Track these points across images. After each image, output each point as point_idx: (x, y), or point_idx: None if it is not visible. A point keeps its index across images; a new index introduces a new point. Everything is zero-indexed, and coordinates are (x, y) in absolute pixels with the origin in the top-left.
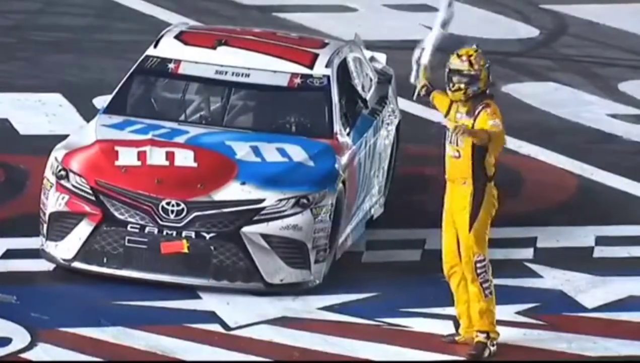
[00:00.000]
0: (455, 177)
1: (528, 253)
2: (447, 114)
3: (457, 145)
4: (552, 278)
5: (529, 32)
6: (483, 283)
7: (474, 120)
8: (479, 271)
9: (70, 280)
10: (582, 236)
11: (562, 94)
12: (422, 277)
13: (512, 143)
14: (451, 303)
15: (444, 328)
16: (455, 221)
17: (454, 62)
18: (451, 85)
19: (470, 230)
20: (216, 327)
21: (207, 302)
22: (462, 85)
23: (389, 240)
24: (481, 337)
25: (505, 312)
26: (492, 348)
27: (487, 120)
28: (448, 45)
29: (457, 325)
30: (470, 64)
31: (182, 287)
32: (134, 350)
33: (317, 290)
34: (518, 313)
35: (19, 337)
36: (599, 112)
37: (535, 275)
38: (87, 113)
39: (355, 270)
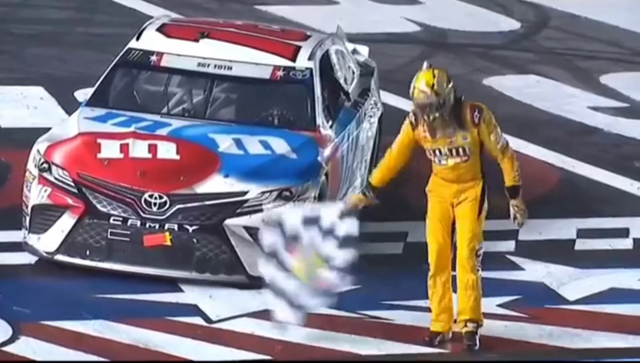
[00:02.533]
0: (464, 178)
1: (510, 245)
2: (417, 141)
3: (464, 154)
4: (533, 271)
5: (511, 25)
6: (479, 271)
7: (477, 129)
8: (478, 259)
9: (53, 273)
10: (564, 229)
11: (544, 87)
12: (404, 269)
13: None
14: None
15: (426, 320)
16: (461, 212)
17: (420, 99)
18: (425, 117)
19: (478, 218)
20: (198, 320)
21: (189, 295)
22: (437, 115)
23: (371, 233)
24: (471, 327)
25: (487, 304)
26: (477, 337)
27: (490, 138)
28: (430, 39)
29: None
30: (437, 94)
31: (165, 279)
32: (116, 343)
33: None
34: (500, 305)
35: (1, 330)
36: (581, 104)
37: (517, 267)
38: (69, 106)
39: None
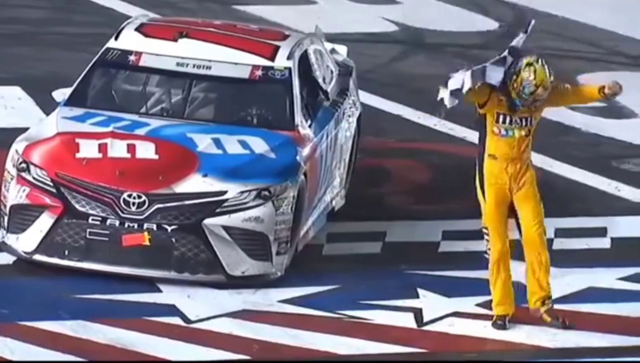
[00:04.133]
0: (525, 156)
1: None
2: (484, 104)
3: (530, 125)
4: (512, 271)
5: (488, 24)
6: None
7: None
8: (546, 236)
9: (31, 273)
10: None
11: None
12: (382, 269)
13: (473, 136)
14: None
15: (404, 320)
16: (524, 196)
17: (540, 96)
18: (531, 106)
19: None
20: (176, 320)
21: (167, 295)
22: (539, 104)
23: (349, 233)
24: (550, 304)
25: (466, 304)
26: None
27: (558, 90)
28: (408, 38)
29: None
30: (551, 85)
31: (143, 279)
32: (93, 343)
33: (278, 282)
34: (478, 305)
35: None
36: None
37: None
38: (46, 106)
39: (316, 262)
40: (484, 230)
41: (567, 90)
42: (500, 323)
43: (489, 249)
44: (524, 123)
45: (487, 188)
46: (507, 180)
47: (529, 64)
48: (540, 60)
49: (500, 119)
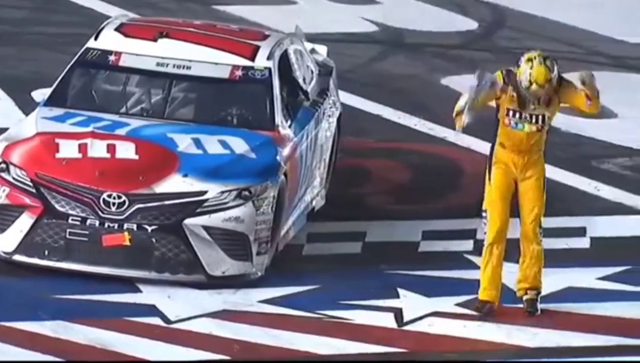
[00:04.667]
0: (533, 150)
1: (468, 245)
2: (499, 98)
3: (542, 122)
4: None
5: (468, 24)
6: (542, 242)
7: (557, 95)
8: (541, 231)
9: (11, 273)
10: None
11: None
12: (362, 269)
13: (452, 135)
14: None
15: (385, 320)
16: (528, 187)
17: (537, 92)
18: (535, 100)
19: (544, 192)
20: (156, 321)
21: (147, 296)
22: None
23: (329, 233)
24: (532, 294)
25: (446, 303)
26: (538, 304)
27: (573, 88)
28: (388, 38)
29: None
30: (551, 84)
31: (123, 279)
32: (73, 343)
33: (258, 282)
34: (458, 305)
35: None
36: None
37: (475, 267)
38: (26, 106)
39: (297, 262)
40: (483, 214)
41: (576, 91)
42: (481, 307)
43: (485, 233)
44: (534, 120)
45: (493, 170)
46: (513, 168)
47: (529, 60)
48: (540, 58)
49: (511, 113)
